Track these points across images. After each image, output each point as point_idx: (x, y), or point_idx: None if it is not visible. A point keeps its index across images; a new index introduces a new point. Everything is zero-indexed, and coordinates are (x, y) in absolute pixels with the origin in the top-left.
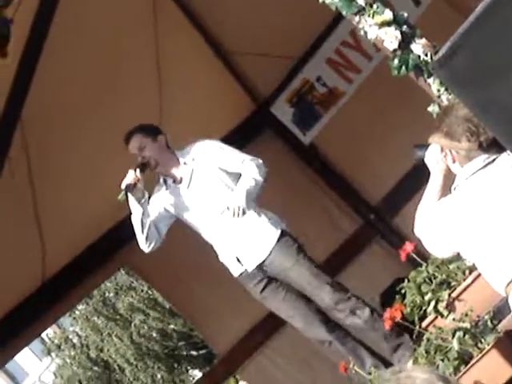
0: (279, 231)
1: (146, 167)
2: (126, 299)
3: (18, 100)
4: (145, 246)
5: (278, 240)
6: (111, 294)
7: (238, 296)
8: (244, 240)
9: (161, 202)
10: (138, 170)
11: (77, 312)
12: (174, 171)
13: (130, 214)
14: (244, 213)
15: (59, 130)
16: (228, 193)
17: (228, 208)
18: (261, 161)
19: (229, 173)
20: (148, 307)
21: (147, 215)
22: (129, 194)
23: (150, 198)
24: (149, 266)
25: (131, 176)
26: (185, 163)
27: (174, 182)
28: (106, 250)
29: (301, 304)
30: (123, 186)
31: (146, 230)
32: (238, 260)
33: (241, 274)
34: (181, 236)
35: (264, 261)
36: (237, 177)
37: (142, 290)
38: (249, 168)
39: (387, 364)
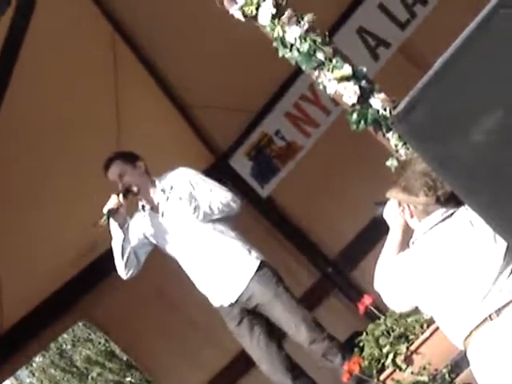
0: (258, 261)
1: (129, 193)
2: (83, 351)
3: None
4: (123, 273)
5: (257, 270)
6: (68, 347)
7: (196, 349)
8: (222, 270)
9: (139, 228)
10: (120, 196)
11: (34, 364)
12: (152, 198)
13: (89, 265)
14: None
15: (18, 181)
16: (203, 223)
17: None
18: (231, 196)
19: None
20: (105, 360)
21: (128, 241)
22: (111, 219)
23: (129, 223)
24: (107, 320)
25: (114, 201)
26: (161, 190)
27: (152, 209)
28: (65, 303)
29: (271, 348)
30: (105, 210)
31: (126, 256)
32: (218, 291)
33: (220, 306)
34: (140, 290)
35: (243, 292)
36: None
37: (100, 343)
38: (215, 194)
39: None
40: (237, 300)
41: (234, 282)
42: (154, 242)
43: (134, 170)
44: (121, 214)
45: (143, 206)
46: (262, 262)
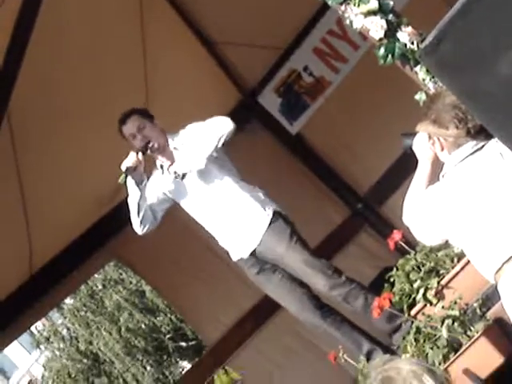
0: (271, 213)
1: (147, 149)
2: (113, 295)
3: (3, 96)
4: (139, 229)
5: (271, 223)
6: (99, 287)
7: (228, 287)
8: (236, 225)
9: (158, 186)
10: (140, 154)
11: (65, 307)
12: (168, 156)
13: (117, 206)
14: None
15: (47, 126)
16: (219, 177)
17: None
18: (223, 119)
19: (217, 155)
20: (135, 302)
21: (144, 199)
22: (128, 177)
23: (148, 181)
24: (138, 259)
25: (132, 158)
26: (175, 148)
27: (170, 167)
28: (95, 243)
29: (296, 288)
30: (124, 167)
31: (141, 213)
32: (235, 245)
33: (238, 259)
34: (171, 228)
35: (258, 245)
36: (226, 158)
37: (131, 282)
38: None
39: (384, 347)
40: (252, 252)
41: (249, 235)
42: (173, 198)
43: (152, 125)
44: (139, 171)
45: (161, 166)
46: (274, 213)
